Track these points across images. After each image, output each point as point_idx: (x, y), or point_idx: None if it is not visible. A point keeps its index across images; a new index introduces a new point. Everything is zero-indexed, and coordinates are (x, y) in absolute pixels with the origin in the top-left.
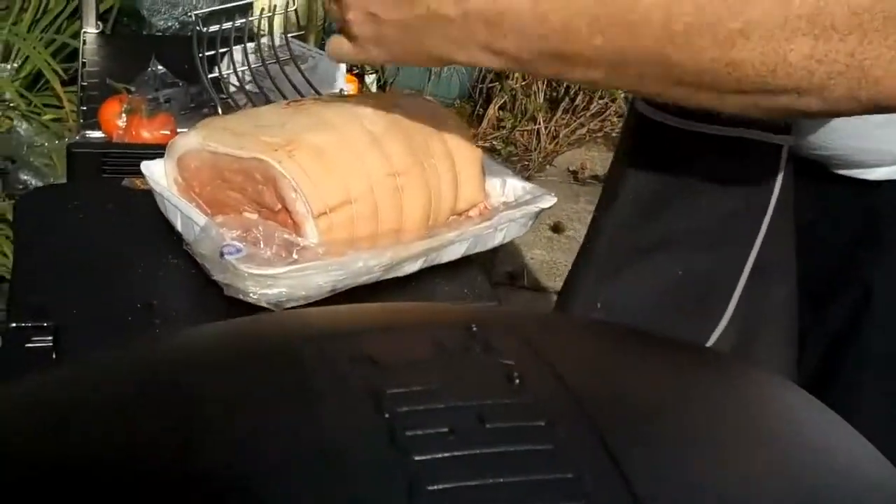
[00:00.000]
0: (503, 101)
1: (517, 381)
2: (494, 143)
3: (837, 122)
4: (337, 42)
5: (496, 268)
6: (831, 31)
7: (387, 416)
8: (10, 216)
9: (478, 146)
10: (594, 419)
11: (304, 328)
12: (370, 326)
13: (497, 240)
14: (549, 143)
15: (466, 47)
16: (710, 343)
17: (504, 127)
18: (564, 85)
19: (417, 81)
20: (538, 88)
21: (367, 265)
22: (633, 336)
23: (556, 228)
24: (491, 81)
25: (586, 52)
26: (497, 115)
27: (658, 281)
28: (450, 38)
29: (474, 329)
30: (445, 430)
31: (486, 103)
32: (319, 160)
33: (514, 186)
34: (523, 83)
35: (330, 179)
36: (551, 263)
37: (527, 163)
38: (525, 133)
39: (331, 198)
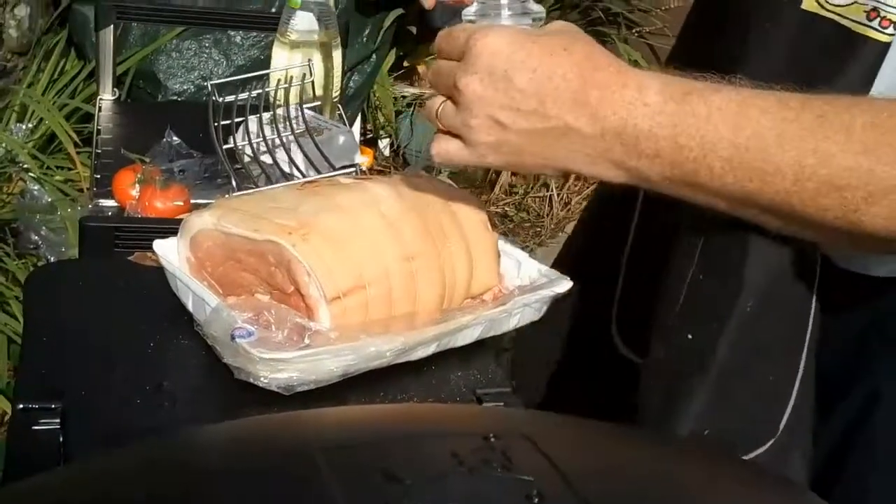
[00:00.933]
0: None
1: (536, 499)
2: (507, 208)
3: None
4: (445, 144)
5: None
6: None
7: None
8: (20, 276)
9: (494, 229)
10: None
11: (319, 435)
12: (386, 434)
13: (511, 324)
14: (562, 210)
15: (596, 162)
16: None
17: (516, 193)
18: None
19: None
20: None
21: (379, 350)
22: (660, 444)
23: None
24: None
25: (715, 185)
26: (510, 180)
27: (759, 385)
28: (581, 153)
29: (492, 439)
30: None
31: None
32: (333, 244)
33: (530, 269)
34: None
35: (343, 264)
36: None
37: (539, 229)
38: (537, 199)
39: (344, 282)
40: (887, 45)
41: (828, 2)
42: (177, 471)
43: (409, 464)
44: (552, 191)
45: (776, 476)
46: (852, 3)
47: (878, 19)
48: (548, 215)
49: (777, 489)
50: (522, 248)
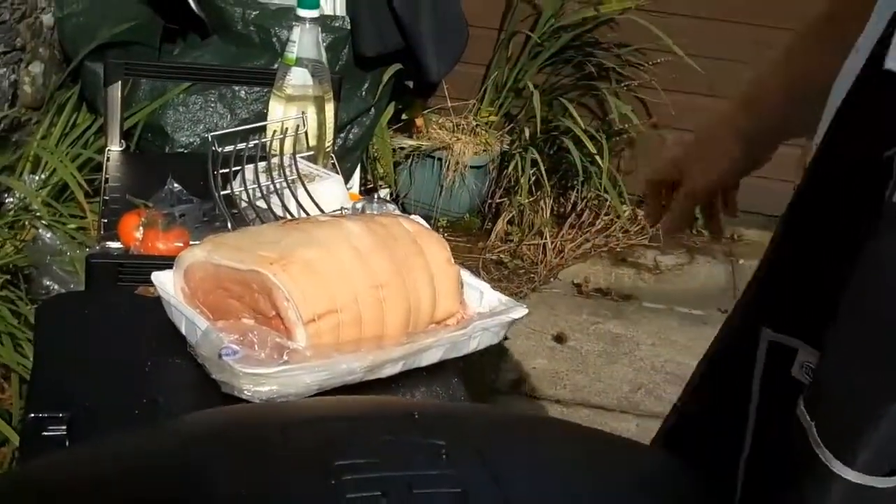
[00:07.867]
0: (511, 215)
1: (444, 456)
2: (501, 255)
3: None
4: None
5: (500, 375)
6: None
7: (333, 482)
8: (32, 320)
9: (456, 263)
10: (505, 490)
11: (278, 416)
12: (332, 415)
13: (471, 346)
14: (555, 257)
15: None
16: None
17: (511, 240)
18: (571, 200)
19: (429, 196)
20: (545, 204)
21: (350, 367)
22: (573, 431)
23: (559, 339)
24: (500, 197)
25: None
26: (505, 228)
27: None
28: None
29: (416, 416)
30: (379, 493)
31: (495, 218)
32: (309, 273)
33: (491, 298)
34: (531, 199)
35: (318, 291)
36: (553, 372)
37: (532, 275)
38: (532, 247)
39: (319, 307)
40: None
41: None
42: (164, 444)
43: (344, 435)
44: (546, 238)
45: None
46: None
47: None
48: (541, 262)
49: None
50: (515, 294)
